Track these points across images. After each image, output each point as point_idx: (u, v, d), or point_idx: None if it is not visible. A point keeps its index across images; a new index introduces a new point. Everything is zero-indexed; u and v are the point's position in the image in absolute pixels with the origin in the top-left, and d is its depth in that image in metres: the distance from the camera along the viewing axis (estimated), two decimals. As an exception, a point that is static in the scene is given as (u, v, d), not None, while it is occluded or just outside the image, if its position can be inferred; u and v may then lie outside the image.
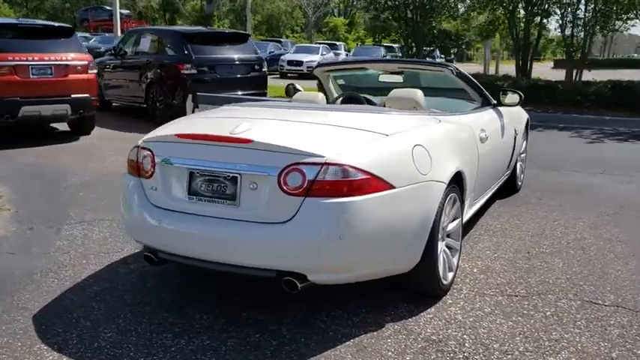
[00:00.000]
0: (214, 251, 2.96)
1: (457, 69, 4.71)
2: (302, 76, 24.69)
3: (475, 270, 3.91)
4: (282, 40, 37.25)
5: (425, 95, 4.20)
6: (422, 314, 3.27)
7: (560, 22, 14.12)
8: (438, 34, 14.74)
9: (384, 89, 5.31)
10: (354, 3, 59.63)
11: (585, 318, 3.23)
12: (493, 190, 4.93)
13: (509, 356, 2.84)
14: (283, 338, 2.99)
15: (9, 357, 2.82)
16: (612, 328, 3.13)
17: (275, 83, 16.47)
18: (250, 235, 2.84)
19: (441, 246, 3.35)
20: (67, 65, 8.58)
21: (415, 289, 3.37)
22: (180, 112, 10.51)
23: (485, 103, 4.85)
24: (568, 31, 14.28)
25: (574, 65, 14.29)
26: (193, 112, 5.58)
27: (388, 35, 15.21)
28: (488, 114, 4.67)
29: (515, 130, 5.26)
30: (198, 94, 5.60)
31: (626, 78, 13.29)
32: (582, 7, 13.79)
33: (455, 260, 3.61)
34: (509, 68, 19.81)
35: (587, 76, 14.33)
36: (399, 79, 5.03)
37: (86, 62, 8.89)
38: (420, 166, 3.10)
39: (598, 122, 11.27)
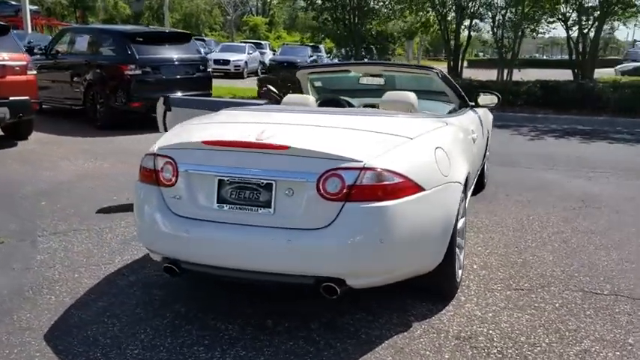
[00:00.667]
0: (248, 260, 2.90)
1: (442, 72, 4.85)
2: (228, 76, 24.37)
3: (475, 266, 4.05)
4: (205, 39, 36.55)
5: None
6: (442, 312, 3.35)
7: (492, 24, 14.85)
8: (376, 35, 15.05)
9: (363, 91, 5.39)
10: (275, 2, 59.55)
11: (592, 307, 3.43)
12: (473, 187, 5.12)
13: (539, 348, 2.97)
14: (318, 344, 2.97)
15: (35, 382, 2.64)
16: (619, 315, 3.34)
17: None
18: (287, 241, 2.80)
19: (456, 244, 3.45)
20: (3, 66, 8.05)
21: (434, 287, 3.44)
22: (116, 115, 10.17)
23: (463, 105, 5.02)
24: (499, 33, 15.00)
25: (505, 65, 15.03)
26: (165, 115, 5.37)
27: (328, 36, 15.32)
28: (472, 115, 4.84)
29: (488, 131, 5.49)
30: (171, 97, 5.40)
31: (534, 77, 14.07)
32: (511, 10, 14.50)
33: (462, 258, 3.73)
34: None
35: (517, 75, 15.10)
36: (380, 81, 5.11)
37: (24, 62, 8.39)
38: (442, 169, 3.18)
39: (531, 120, 11.90)
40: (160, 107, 5.41)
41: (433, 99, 5.17)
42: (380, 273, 2.93)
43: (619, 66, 28.25)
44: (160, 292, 3.60)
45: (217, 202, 2.94)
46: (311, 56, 29.40)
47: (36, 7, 38.01)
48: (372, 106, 5.06)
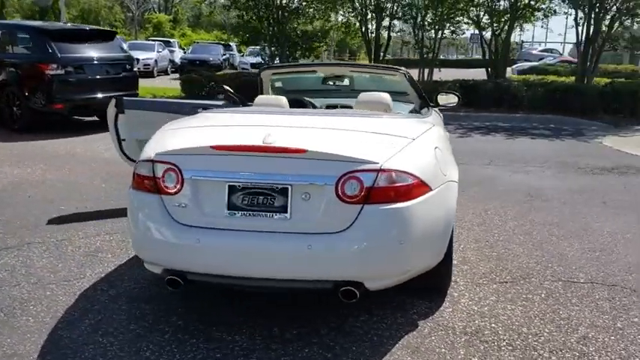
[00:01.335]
0: (263, 267, 2.80)
1: (408, 73, 4.93)
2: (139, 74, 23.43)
3: (455, 262, 4.15)
4: (110, 36, 34.90)
5: None
6: (441, 309, 3.41)
7: (413, 24, 15.29)
8: (302, 35, 15.05)
9: (324, 92, 5.37)
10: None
11: (575, 296, 3.62)
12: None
13: (542, 338, 3.10)
14: (333, 349, 2.93)
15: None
16: (601, 302, 3.55)
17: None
18: (307, 247, 2.74)
19: (451, 241, 3.52)
20: None
21: (432, 284, 3.49)
22: (36, 117, 9.49)
23: (424, 105, 5.13)
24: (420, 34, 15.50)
25: (425, 65, 15.56)
26: (116, 118, 5.07)
27: (255, 37, 15.10)
28: (437, 115, 4.96)
29: (446, 130, 5.64)
30: (124, 98, 5.10)
31: (452, 77, 14.72)
32: (433, 12, 15.02)
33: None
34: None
35: (436, 75, 15.68)
36: (345, 82, 5.12)
37: None
38: (442, 168, 3.24)
39: (455, 118, 12.38)
40: (112, 109, 5.11)
41: (394, 99, 5.23)
42: (397, 274, 2.93)
43: (515, 66, 29.49)
44: (148, 305, 3.41)
45: (228, 209, 2.82)
46: (224, 55, 28.96)
47: None
48: (335, 106, 5.05)
